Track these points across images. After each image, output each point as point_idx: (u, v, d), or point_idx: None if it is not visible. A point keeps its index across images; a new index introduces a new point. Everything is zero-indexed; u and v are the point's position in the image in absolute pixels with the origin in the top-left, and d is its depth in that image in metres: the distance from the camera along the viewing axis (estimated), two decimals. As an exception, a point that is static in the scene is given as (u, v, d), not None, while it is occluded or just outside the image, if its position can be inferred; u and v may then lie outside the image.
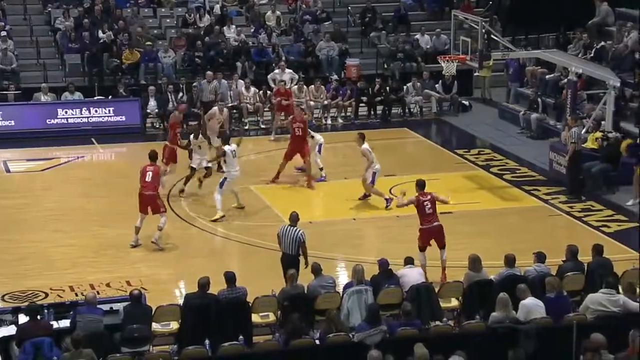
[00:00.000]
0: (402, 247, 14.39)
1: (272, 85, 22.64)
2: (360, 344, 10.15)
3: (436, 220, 13.41)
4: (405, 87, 23.41)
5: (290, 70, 22.95)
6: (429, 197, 13.42)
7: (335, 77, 23.80)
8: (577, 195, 16.76)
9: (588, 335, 9.25)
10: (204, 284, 11.19)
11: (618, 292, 10.69)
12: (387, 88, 23.24)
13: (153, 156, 15.36)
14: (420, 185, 13.62)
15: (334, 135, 21.70)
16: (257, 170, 19.33)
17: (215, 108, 19.05)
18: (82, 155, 20.52)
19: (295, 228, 12.65)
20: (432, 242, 13.46)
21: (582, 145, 17.86)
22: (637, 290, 11.36)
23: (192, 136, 17.35)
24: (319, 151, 18.28)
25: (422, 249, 13.41)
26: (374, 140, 17.80)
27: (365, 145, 16.18)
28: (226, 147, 16.10)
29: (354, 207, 16.80)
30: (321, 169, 18.29)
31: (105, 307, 11.09)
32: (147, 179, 14.85)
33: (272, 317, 11.49)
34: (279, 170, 17.93)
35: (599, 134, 17.73)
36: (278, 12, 25.65)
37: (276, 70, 22.92)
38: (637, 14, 23.14)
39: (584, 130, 18.27)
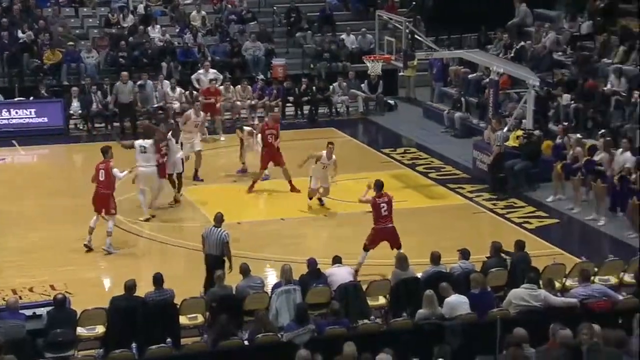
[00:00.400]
0: (331, 246, 14.49)
1: (197, 86, 22.47)
2: (289, 344, 10.16)
3: (390, 222, 13.50)
4: (331, 86, 23.51)
5: (215, 70, 22.79)
6: (386, 198, 13.51)
7: (261, 77, 23.76)
8: (503, 192, 17.02)
9: (511, 329, 9.43)
10: (130, 286, 11.06)
11: (539, 287, 10.92)
12: (314, 88, 23.32)
13: (105, 152, 14.90)
14: (379, 186, 13.67)
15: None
16: (185, 171, 19.17)
17: (191, 110, 18.53)
18: (3, 157, 20.06)
19: (220, 229, 12.60)
20: (384, 244, 13.49)
21: (505, 143, 18.25)
22: (557, 284, 11.67)
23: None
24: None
25: (367, 248, 13.50)
26: (301, 140, 17.86)
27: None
28: (136, 142, 15.89)
29: (283, 207, 16.80)
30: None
31: (29, 312, 10.86)
32: (100, 178, 14.60)
33: (200, 319, 11.43)
34: (254, 180, 17.42)
35: (520, 133, 18.09)
36: (203, 12, 25.49)
37: (200, 71, 22.72)
38: (554, 15, 23.74)
39: (505, 129, 18.64)
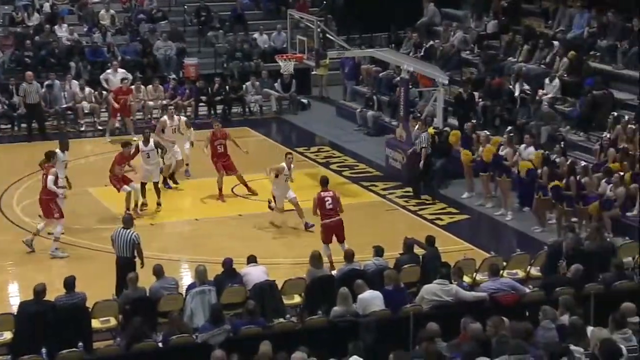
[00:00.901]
0: (246, 245, 14.43)
1: (106, 86, 22.03)
2: (204, 345, 10.09)
3: (337, 215, 13.85)
4: (244, 86, 23.43)
5: (124, 70, 22.39)
6: (330, 193, 13.97)
7: (173, 76, 23.51)
8: (433, 194, 17.10)
9: (424, 324, 9.57)
10: (39, 290, 10.80)
11: (451, 282, 11.12)
12: (227, 87, 23.20)
13: (48, 157, 14.80)
14: (324, 182, 14.24)
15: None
16: (94, 172, 18.83)
17: (165, 116, 18.10)
18: None
19: (129, 230, 12.43)
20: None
21: (416, 141, 18.50)
22: (467, 279, 11.89)
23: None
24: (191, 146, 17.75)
25: (326, 242, 13.77)
26: (204, 140, 17.67)
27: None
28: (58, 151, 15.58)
29: (197, 208, 16.66)
30: (187, 164, 17.97)
31: None
32: (43, 183, 14.47)
33: (113, 322, 11.25)
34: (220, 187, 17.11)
35: (431, 130, 18.36)
36: (112, 11, 25.06)
37: (108, 71, 22.25)
38: (461, 15, 24.20)
39: (416, 127, 18.90)
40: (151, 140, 16.47)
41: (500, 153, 16.29)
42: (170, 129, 17.67)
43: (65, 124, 21.64)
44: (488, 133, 17.18)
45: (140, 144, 16.44)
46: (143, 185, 16.37)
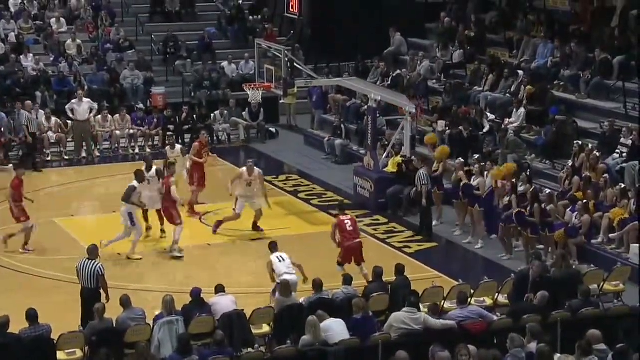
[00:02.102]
0: (214, 275, 14.37)
1: (71, 116, 21.85)
2: (172, 376, 9.99)
3: (357, 237, 14.32)
4: (212, 115, 23.43)
5: (89, 100, 22.25)
6: (349, 216, 14.50)
7: (140, 105, 23.46)
8: (429, 235, 16.67)
9: (393, 353, 9.56)
10: (3, 323, 10.65)
11: (419, 310, 11.14)
12: (195, 116, 23.18)
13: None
14: (341, 208, 15.08)
15: (141, 165, 21.32)
16: (60, 203, 18.72)
17: (167, 147, 18.36)
18: None
19: (94, 261, 12.30)
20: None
21: (384, 169, 18.61)
22: (440, 308, 11.93)
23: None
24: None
25: (343, 263, 14.08)
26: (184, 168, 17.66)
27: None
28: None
29: (167, 238, 16.56)
30: None
31: None
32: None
33: (79, 354, 11.10)
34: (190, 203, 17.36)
35: (399, 159, 18.47)
36: (79, 41, 25.00)
37: (73, 100, 22.06)
38: (427, 44, 24.46)
39: (384, 155, 19.01)
40: (153, 167, 16.44)
41: (473, 183, 16.38)
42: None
43: (29, 153, 21.44)
44: (462, 160, 17.27)
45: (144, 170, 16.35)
46: (145, 212, 16.29)
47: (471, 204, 16.33)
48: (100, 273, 12.23)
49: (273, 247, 13.46)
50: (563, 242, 14.96)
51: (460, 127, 19.52)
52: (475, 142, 19.21)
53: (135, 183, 15.71)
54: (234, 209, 16.58)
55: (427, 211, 16.77)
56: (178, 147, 18.77)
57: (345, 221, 14.29)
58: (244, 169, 16.61)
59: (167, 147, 18.78)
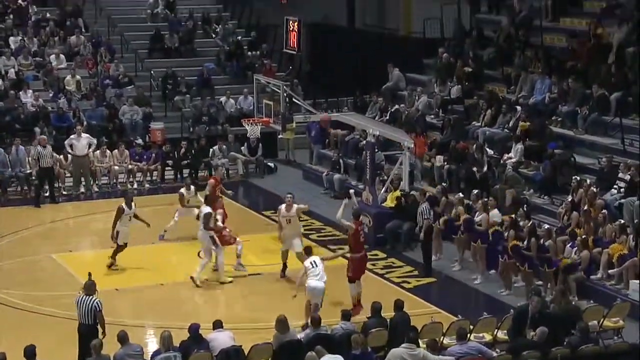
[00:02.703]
0: (212, 311, 14.35)
1: (70, 151, 21.90)
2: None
3: (364, 249, 14.55)
4: (211, 150, 23.53)
5: (88, 135, 22.30)
6: (362, 225, 14.77)
7: (139, 141, 23.55)
8: (428, 271, 16.48)
9: (392, 389, 9.54)
10: (0, 360, 10.62)
11: (418, 346, 11.11)
12: (193, 151, 23.27)
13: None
14: (356, 215, 14.80)
15: (140, 200, 21.36)
16: (59, 238, 18.72)
17: (183, 189, 18.40)
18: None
19: (91, 297, 12.27)
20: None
21: (382, 204, 18.64)
22: (439, 344, 11.90)
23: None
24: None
25: (353, 280, 14.07)
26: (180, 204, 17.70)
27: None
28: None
29: (162, 273, 16.56)
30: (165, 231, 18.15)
31: None
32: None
33: (77, 391, 11.06)
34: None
35: (397, 193, 18.52)
36: (78, 77, 25.15)
37: (72, 136, 22.09)
38: (425, 80, 24.64)
39: (383, 190, 19.06)
40: (133, 204, 16.69)
41: (476, 219, 16.39)
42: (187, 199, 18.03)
43: (29, 189, 21.52)
44: (462, 195, 17.32)
45: (124, 205, 16.51)
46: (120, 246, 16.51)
47: (473, 240, 16.34)
48: (98, 309, 12.21)
49: (308, 252, 13.92)
50: (562, 277, 14.95)
51: (460, 163, 19.61)
52: (475, 177, 19.26)
53: (208, 209, 15.95)
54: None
55: (427, 246, 16.69)
56: (193, 188, 18.66)
57: (360, 230, 14.33)
58: (282, 205, 16.06)
59: (183, 189, 18.54)
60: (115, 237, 16.59)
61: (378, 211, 18.40)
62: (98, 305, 12.22)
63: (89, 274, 12.77)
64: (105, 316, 12.40)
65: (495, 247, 15.88)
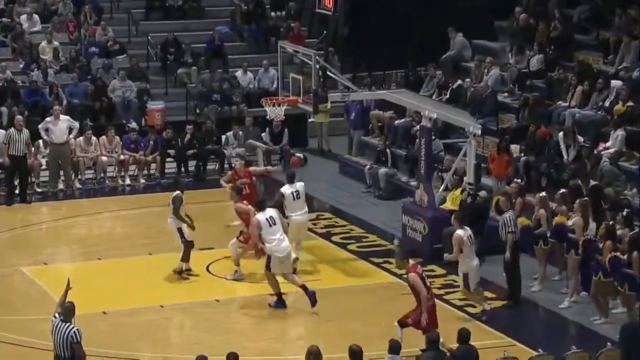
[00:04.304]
0: (222, 339, 14.36)
1: (45, 137, 22.04)
2: None
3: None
4: (223, 136, 23.58)
5: (68, 117, 22.41)
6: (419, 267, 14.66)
7: (134, 125, 23.68)
8: (516, 299, 16.45)
9: None
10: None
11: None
12: (201, 138, 23.34)
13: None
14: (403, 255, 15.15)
15: (134, 200, 21.52)
16: (31, 248, 18.85)
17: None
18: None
19: (69, 324, 12.21)
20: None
21: (441, 205, 18.55)
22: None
23: None
24: None
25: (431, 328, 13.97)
26: (186, 205, 17.72)
27: None
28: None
29: (161, 291, 16.62)
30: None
31: None
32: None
33: None
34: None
35: (458, 193, 18.42)
36: (56, 43, 25.36)
37: (48, 118, 22.15)
38: (497, 48, 24.46)
39: (442, 188, 18.95)
40: None
41: (568, 223, 16.27)
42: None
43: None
44: (545, 195, 17.19)
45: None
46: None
47: (566, 251, 16.23)
48: (75, 339, 12.17)
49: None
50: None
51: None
52: (560, 172, 19.12)
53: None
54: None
55: (513, 268, 16.42)
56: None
57: (420, 270, 14.45)
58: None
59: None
60: (181, 234, 16.91)
61: (435, 215, 18.32)
62: (76, 335, 12.18)
63: (68, 283, 12.70)
64: (88, 347, 12.45)
65: (587, 262, 15.75)
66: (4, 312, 15.78)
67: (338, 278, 17.52)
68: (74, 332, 12.23)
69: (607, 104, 20.44)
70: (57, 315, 12.34)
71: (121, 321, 15.63)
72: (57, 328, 12.26)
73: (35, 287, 16.85)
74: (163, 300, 16.38)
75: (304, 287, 15.79)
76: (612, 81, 20.78)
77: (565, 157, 19.31)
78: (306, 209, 17.76)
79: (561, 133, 19.73)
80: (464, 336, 12.54)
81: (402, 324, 14.29)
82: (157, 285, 16.99)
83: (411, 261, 14.69)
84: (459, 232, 15.60)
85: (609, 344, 13.19)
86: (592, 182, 17.97)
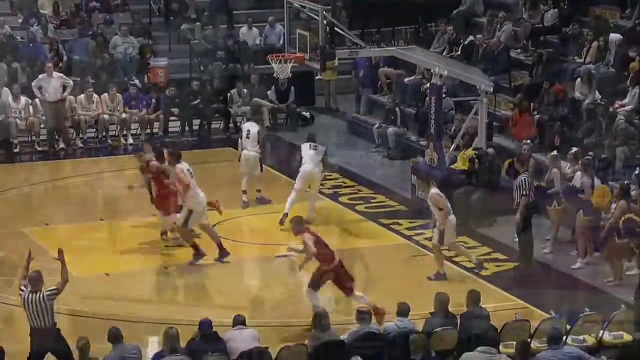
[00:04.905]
0: (231, 301, 14.46)
1: (39, 95, 22.02)
2: None
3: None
4: (228, 94, 23.58)
5: (61, 74, 22.36)
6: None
7: (136, 82, 23.68)
8: (528, 263, 16.36)
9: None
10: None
11: (499, 352, 11.12)
12: (206, 96, 23.33)
13: None
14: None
15: (134, 161, 21.57)
16: (32, 208, 18.93)
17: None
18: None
19: (39, 292, 11.97)
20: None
21: (451, 165, 18.58)
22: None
23: None
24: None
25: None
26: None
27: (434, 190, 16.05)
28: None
29: (167, 251, 16.71)
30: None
31: None
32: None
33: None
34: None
35: (470, 152, 18.44)
36: (56, -4, 25.32)
37: (41, 76, 22.11)
38: (510, 3, 24.36)
39: (452, 148, 18.97)
40: None
41: (576, 184, 16.28)
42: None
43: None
44: (557, 154, 17.20)
45: None
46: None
47: (576, 211, 16.24)
48: (51, 297, 12.09)
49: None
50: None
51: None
52: (571, 130, 19.12)
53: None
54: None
55: (524, 232, 16.24)
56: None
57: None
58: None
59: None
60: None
61: (446, 175, 18.34)
62: (52, 293, 12.10)
63: (29, 254, 12.71)
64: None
65: (600, 222, 15.80)
66: (3, 272, 15.86)
67: (346, 240, 17.52)
68: (44, 295, 12.10)
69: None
70: (23, 288, 12.21)
71: (124, 282, 15.72)
72: (30, 300, 12.13)
73: (36, 249, 16.88)
74: (168, 261, 16.46)
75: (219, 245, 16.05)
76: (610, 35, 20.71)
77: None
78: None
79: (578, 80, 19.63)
80: (474, 297, 12.60)
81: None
82: (160, 246, 17.07)
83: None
84: (434, 190, 15.77)
85: (623, 306, 13.22)
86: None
